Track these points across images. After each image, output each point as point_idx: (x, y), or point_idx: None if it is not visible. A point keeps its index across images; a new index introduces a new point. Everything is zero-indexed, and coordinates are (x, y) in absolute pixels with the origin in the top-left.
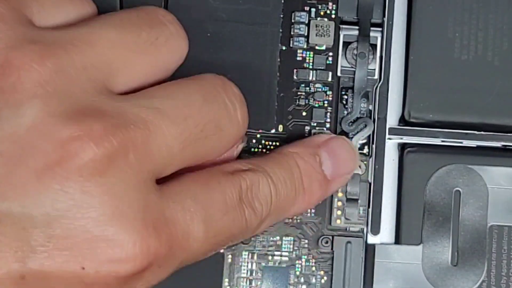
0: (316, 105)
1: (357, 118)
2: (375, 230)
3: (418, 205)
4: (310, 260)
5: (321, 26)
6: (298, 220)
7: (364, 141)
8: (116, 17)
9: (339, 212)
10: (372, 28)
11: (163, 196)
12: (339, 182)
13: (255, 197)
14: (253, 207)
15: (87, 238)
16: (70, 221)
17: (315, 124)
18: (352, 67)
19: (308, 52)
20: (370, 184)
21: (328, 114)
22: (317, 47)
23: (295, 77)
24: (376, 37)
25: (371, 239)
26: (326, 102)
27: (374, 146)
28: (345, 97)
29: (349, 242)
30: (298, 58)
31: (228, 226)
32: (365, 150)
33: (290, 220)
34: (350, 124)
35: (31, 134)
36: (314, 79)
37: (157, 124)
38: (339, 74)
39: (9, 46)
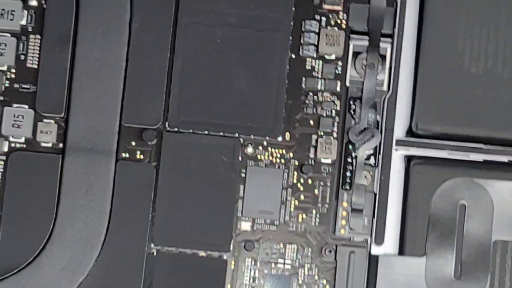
0: (324, 114)
1: (364, 129)
2: (379, 241)
3: (423, 217)
4: (313, 269)
5: (331, 36)
6: (303, 229)
7: (371, 151)
8: None
9: (343, 222)
10: (382, 39)
11: None
12: None
13: None
14: None
15: None
16: None
17: (322, 133)
18: (361, 77)
19: (317, 61)
20: (375, 194)
21: (336, 123)
22: (326, 56)
23: (303, 86)
24: (386, 48)
25: (375, 250)
26: (334, 111)
27: (380, 156)
28: (353, 107)
29: (352, 252)
30: (307, 67)
31: None
32: (371, 161)
33: (295, 229)
34: (357, 134)
35: None
36: (322, 88)
37: None
38: (347, 84)
39: None
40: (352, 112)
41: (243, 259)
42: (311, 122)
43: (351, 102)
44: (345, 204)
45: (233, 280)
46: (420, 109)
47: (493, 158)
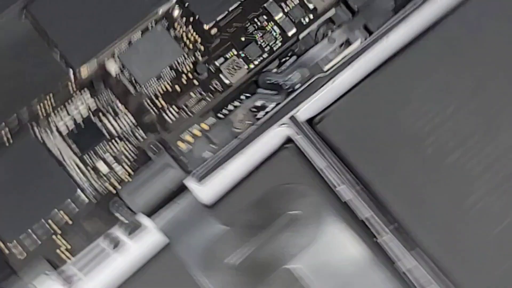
0: (258, 42)
1: (274, 83)
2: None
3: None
4: None
5: None
6: None
7: (265, 104)
8: None
9: (183, 145)
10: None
11: None
12: None
13: None
14: None
15: None
16: None
17: (242, 54)
18: (315, 42)
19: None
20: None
21: (260, 57)
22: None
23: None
24: (358, 38)
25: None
26: (268, 47)
27: (266, 117)
28: (287, 58)
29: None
30: None
31: None
32: (260, 114)
33: None
34: (266, 83)
35: None
36: (277, 22)
37: None
38: (300, 36)
39: None
40: (280, 61)
41: None
42: (242, 39)
43: (288, 54)
44: (204, 126)
45: None
46: (336, 115)
47: None
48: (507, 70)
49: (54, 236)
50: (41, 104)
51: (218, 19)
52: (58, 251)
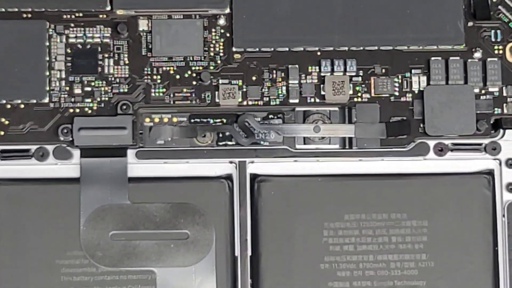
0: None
1: (251, 130)
2: None
3: None
4: None
5: None
6: None
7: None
8: None
9: None
10: None
11: None
12: None
13: None
14: None
15: None
16: None
17: (244, 90)
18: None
19: None
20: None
21: (256, 101)
22: None
23: None
24: None
25: None
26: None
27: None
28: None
29: None
30: None
31: None
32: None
33: None
34: (244, 123)
35: None
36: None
37: None
38: (297, 108)
39: None
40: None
41: None
42: (253, 78)
43: (278, 114)
44: (175, 119)
45: None
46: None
47: None
48: None
49: None
50: None
51: (247, 49)
52: None
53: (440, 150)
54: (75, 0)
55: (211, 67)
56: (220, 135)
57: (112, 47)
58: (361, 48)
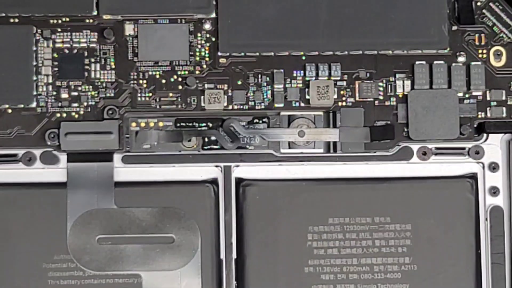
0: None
1: (236, 135)
2: None
3: None
4: None
5: None
6: None
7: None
8: None
9: None
10: None
11: None
12: None
13: None
14: None
15: None
16: None
17: (229, 95)
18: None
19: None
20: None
21: (241, 105)
22: None
23: None
24: None
25: None
26: (252, 102)
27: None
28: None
29: None
30: None
31: None
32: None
33: None
34: (229, 128)
35: None
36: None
37: None
38: (282, 113)
39: None
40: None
41: None
42: (239, 82)
43: (263, 119)
44: (161, 124)
45: None
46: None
47: None
48: None
49: None
50: None
51: (233, 54)
52: None
53: (424, 154)
54: (61, 5)
55: (197, 72)
56: (206, 140)
57: (99, 52)
58: (346, 52)
